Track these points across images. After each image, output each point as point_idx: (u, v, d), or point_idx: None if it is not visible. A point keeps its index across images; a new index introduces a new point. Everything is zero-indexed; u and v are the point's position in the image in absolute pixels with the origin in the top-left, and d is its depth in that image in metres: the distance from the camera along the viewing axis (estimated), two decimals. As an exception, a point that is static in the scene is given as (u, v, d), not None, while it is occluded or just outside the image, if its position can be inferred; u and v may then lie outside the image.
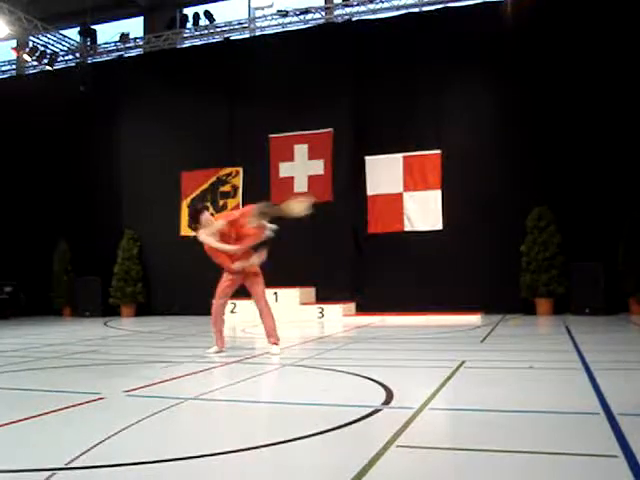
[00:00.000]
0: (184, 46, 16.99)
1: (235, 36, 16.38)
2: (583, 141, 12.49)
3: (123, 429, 3.82)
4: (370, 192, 14.19)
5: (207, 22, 16.44)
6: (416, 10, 14.53)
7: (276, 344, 7.59)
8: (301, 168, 14.80)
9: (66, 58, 17.75)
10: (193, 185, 15.80)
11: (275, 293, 13.19)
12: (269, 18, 16.00)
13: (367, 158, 14.25)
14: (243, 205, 15.02)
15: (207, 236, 7.54)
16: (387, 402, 4.46)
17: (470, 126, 13.44)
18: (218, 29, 16.45)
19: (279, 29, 15.97)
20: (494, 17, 12.94)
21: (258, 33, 16.23)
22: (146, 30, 17.50)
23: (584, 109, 12.51)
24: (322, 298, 13.88)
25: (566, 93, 12.66)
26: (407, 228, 13.88)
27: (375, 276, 13.77)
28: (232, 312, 13.34)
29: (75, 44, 17.60)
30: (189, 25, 16.73)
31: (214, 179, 15.61)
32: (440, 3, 14.39)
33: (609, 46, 12.40)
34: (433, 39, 13.65)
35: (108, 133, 16.48)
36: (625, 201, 12.07)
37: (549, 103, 12.77)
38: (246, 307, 12.26)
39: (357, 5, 15.21)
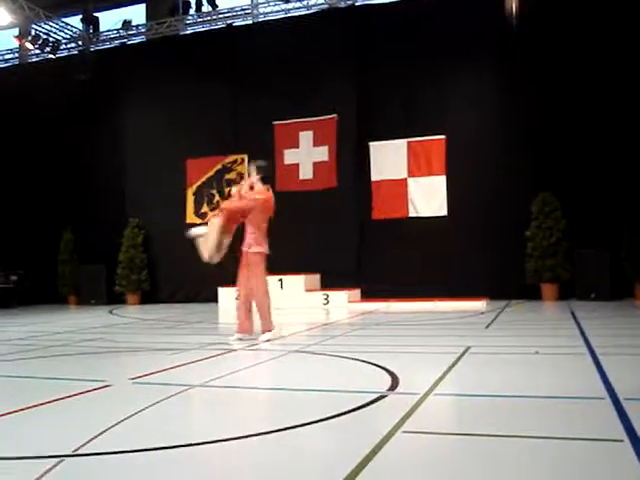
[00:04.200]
0: (187, 33, 16.92)
1: (238, 22, 16.31)
2: (589, 127, 12.39)
3: (130, 416, 3.84)
4: (374, 178, 14.15)
5: (210, 8, 16.36)
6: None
7: (269, 330, 7.63)
8: (306, 155, 14.77)
9: (69, 46, 17.69)
10: (198, 173, 15.78)
11: (280, 280, 13.22)
12: (272, 4, 15.90)
13: (371, 144, 14.20)
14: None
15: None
16: (393, 388, 4.47)
17: (475, 111, 13.36)
18: (221, 15, 16.37)
19: (282, 15, 15.89)
20: (499, 2, 12.85)
21: (261, 19, 16.16)
22: (148, 17, 17.42)
23: (590, 95, 12.40)
24: (327, 284, 13.87)
25: (572, 79, 12.55)
26: (412, 214, 13.85)
27: (380, 262, 13.75)
28: (237, 299, 13.35)
29: (77, 32, 17.54)
30: (192, 11, 16.65)
31: (219, 166, 15.59)
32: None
33: (611, 31, 12.28)
34: (438, 24, 13.54)
35: (112, 121, 16.45)
36: (630, 188, 12.00)
37: (555, 89, 12.67)
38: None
39: (360, -10, 15.12)
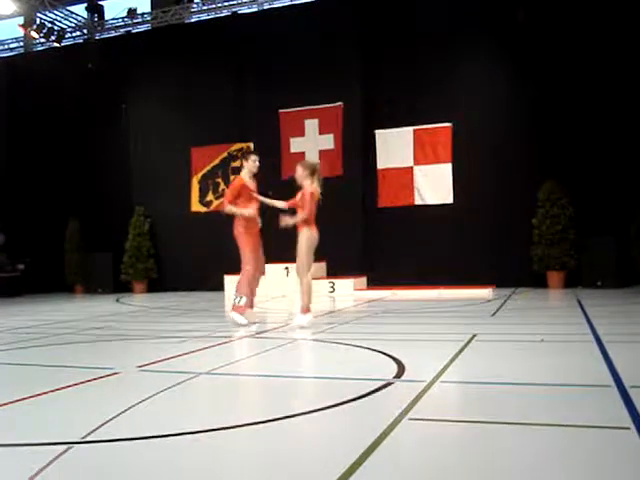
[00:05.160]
0: (192, 21, 16.87)
1: (243, 10, 16.25)
2: (596, 115, 12.31)
3: (138, 403, 3.86)
4: (380, 166, 14.11)
5: (215, -4, 16.30)
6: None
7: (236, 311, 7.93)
8: (312, 143, 14.73)
9: (74, 35, 17.67)
10: (204, 161, 15.78)
11: (286, 268, 13.25)
12: (277, -9, 15.85)
13: (377, 132, 14.15)
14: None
15: None
16: (399, 375, 4.48)
17: (481, 99, 13.30)
18: (226, 3, 16.30)
19: (287, 2, 15.81)
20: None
21: (266, 7, 16.08)
22: (153, 5, 17.35)
23: (597, 83, 12.31)
24: (333, 272, 13.88)
25: (579, 67, 12.45)
26: (418, 202, 13.82)
27: (386, 250, 13.75)
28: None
29: (83, 20, 17.51)
30: (196, -1, 16.61)
31: (225, 155, 15.57)
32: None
33: (618, 19, 12.17)
34: (444, 11, 13.46)
35: (117, 110, 16.44)
36: (638, 175, 11.96)
37: (562, 76, 12.59)
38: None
39: (366, -24, 15.00)
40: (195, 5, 16.69)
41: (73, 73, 16.44)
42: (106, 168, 16.33)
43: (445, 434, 3.20)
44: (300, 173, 8.06)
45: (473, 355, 5.38)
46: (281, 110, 14.91)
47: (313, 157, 14.65)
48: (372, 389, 4.03)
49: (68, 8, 17.22)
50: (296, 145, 14.86)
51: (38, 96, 16.78)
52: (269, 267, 13.44)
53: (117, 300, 13.57)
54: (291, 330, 7.37)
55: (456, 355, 5.23)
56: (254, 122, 15.01)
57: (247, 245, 8.04)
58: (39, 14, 16.62)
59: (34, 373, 5.22)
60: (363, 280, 13.63)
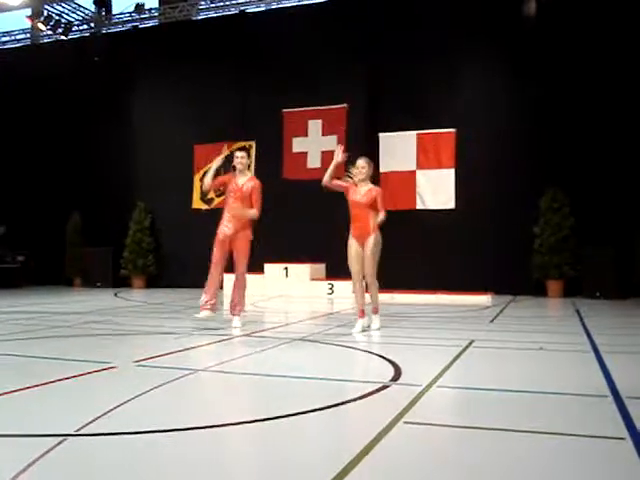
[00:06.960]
0: (199, 18, 16.87)
1: (251, 8, 16.25)
2: (599, 124, 12.32)
3: (133, 398, 3.86)
4: (383, 169, 14.10)
5: (223, -7, 16.30)
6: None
7: (237, 315, 7.78)
8: (315, 143, 14.72)
9: (81, 28, 17.68)
10: (206, 158, 15.75)
11: (285, 268, 13.26)
12: (285, -9, 15.85)
13: (381, 135, 14.16)
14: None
15: None
16: (395, 379, 4.48)
17: (485, 105, 13.31)
18: (234, 1, 16.32)
19: (295, 2, 15.82)
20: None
21: (274, 6, 16.08)
22: (161, 1, 17.36)
23: (600, 92, 12.32)
24: (332, 274, 13.87)
25: (582, 76, 12.46)
26: (419, 206, 13.82)
27: (386, 253, 13.70)
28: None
29: (90, 14, 17.52)
30: (205, -4, 16.61)
31: (227, 153, 15.52)
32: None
33: (623, 29, 12.18)
34: (450, 15, 13.47)
35: (121, 104, 16.44)
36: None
37: (566, 85, 12.60)
38: (256, 281, 12.33)
39: (374, -22, 15.00)
40: (203, 2, 16.69)
41: (79, 66, 16.45)
42: (109, 163, 16.34)
43: (440, 438, 3.20)
44: (367, 170, 8.02)
45: (470, 361, 5.37)
46: (285, 110, 14.91)
47: (315, 157, 14.67)
48: (368, 391, 4.03)
49: (76, 1, 17.23)
50: (298, 145, 14.86)
51: (43, 88, 16.77)
52: (268, 267, 13.48)
53: (116, 295, 13.56)
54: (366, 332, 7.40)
55: (453, 360, 5.22)
56: (257, 121, 15.00)
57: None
58: (47, 6, 16.63)
59: (29, 365, 5.21)
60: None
